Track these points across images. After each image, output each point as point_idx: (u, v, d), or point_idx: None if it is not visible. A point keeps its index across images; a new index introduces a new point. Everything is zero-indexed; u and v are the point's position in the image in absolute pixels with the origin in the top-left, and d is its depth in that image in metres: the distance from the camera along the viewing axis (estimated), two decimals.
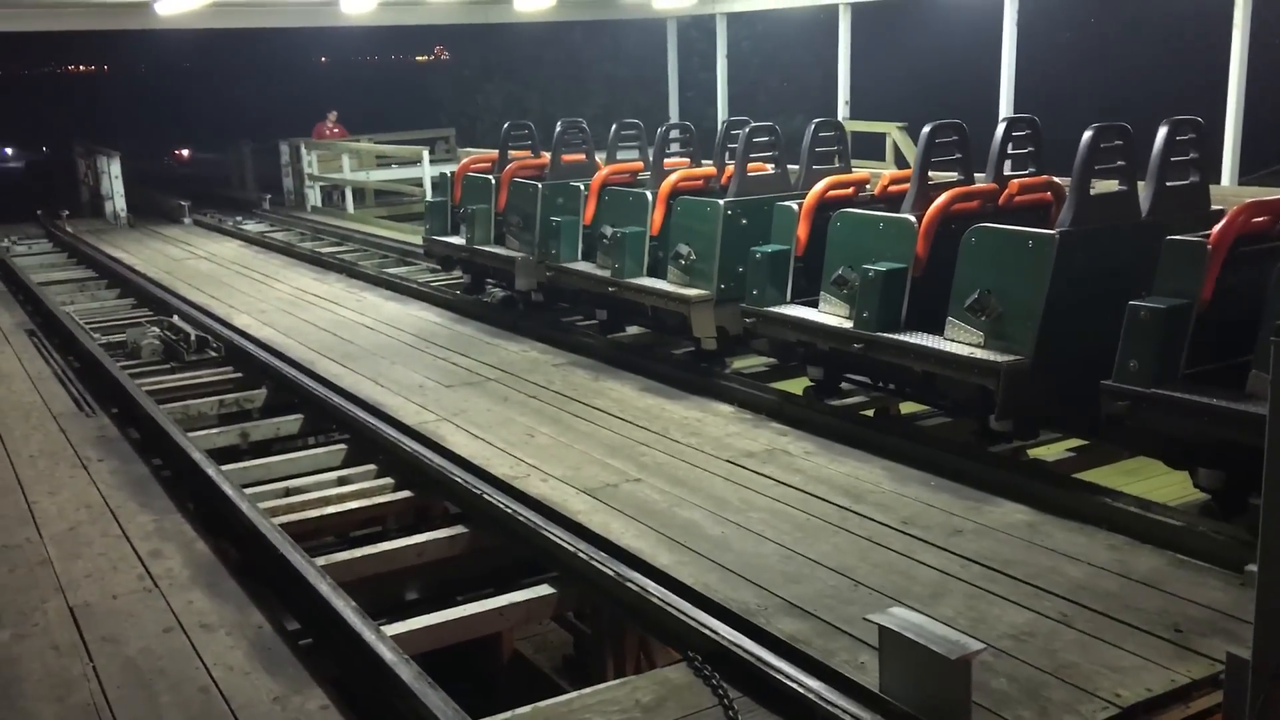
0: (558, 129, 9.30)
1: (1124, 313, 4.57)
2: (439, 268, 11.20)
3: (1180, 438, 4.59)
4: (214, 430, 7.07)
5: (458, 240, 9.82)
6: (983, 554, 4.50)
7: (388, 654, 3.70)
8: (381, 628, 4.01)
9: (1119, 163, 5.41)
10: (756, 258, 6.46)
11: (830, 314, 6.06)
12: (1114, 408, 4.63)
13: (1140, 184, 5.41)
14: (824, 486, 5.30)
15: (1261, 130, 9.87)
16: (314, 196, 18.78)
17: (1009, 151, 5.99)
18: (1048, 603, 4.07)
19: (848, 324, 5.86)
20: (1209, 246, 4.49)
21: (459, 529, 5.33)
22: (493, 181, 9.51)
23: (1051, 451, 5.97)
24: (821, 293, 6.15)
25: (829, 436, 5.97)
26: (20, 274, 12.39)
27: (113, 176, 17.90)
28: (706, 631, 3.85)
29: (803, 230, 6.41)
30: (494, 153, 10.06)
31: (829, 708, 3.37)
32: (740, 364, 7.76)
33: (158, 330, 9.01)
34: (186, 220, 17.81)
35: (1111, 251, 5.18)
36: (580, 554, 4.55)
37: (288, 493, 5.90)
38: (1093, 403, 4.74)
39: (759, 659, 3.64)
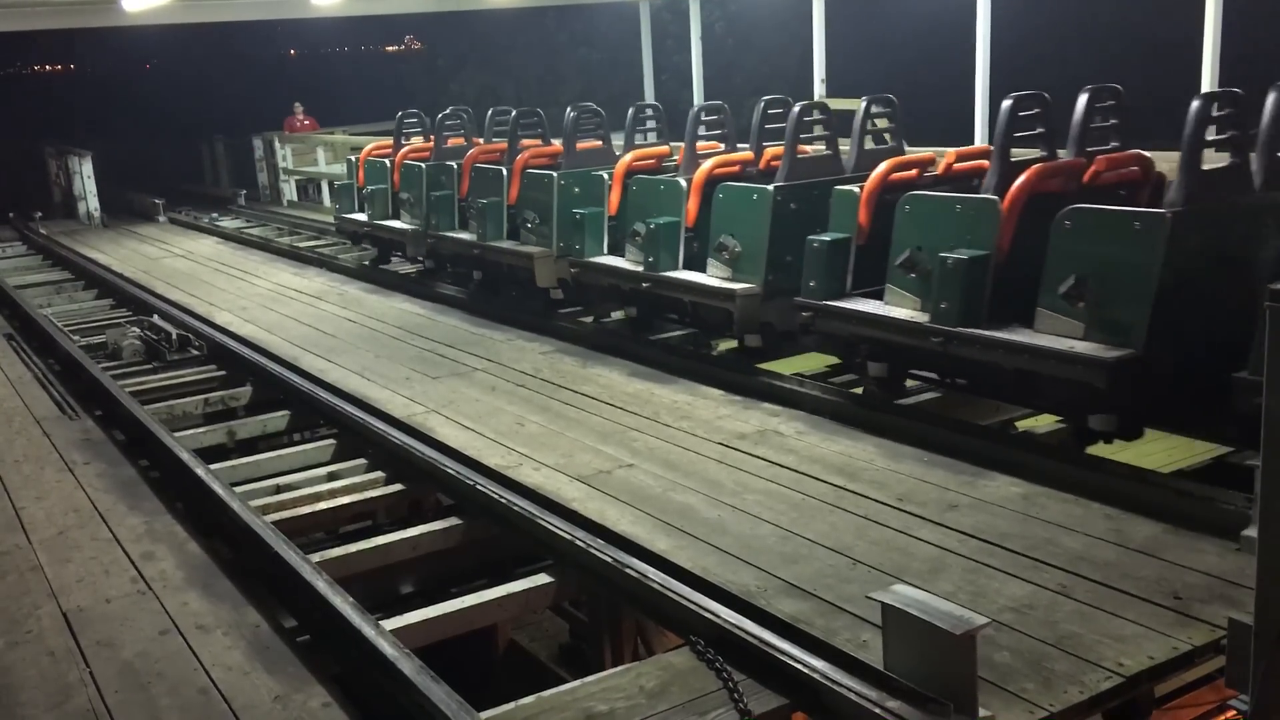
0: (439, 117, 10.88)
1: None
2: (413, 257, 11.32)
3: (845, 338, 6.08)
4: (200, 429, 7.01)
5: (361, 217, 11.38)
6: (979, 528, 4.51)
7: (388, 649, 3.68)
8: (380, 622, 3.99)
9: (824, 132, 7.00)
10: (576, 218, 7.94)
11: (629, 261, 7.57)
12: (800, 318, 6.15)
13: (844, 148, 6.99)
14: (818, 466, 5.30)
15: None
16: (289, 191, 18.62)
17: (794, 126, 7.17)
18: (1046, 574, 4.08)
19: (638, 269, 7.38)
20: (862, 195, 5.96)
21: (453, 521, 5.29)
22: (388, 165, 10.95)
23: (1041, 423, 5.98)
24: (627, 246, 7.67)
25: (820, 416, 5.98)
26: None
27: (85, 176, 17.71)
28: (707, 615, 3.84)
29: (615, 195, 7.92)
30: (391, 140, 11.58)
31: (834, 687, 3.36)
32: (725, 346, 7.75)
33: (138, 330, 8.92)
34: (161, 218, 17.65)
35: (814, 201, 6.48)
36: (578, 542, 4.53)
37: (278, 490, 5.85)
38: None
39: (761, 641, 3.63)
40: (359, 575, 4.86)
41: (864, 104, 6.86)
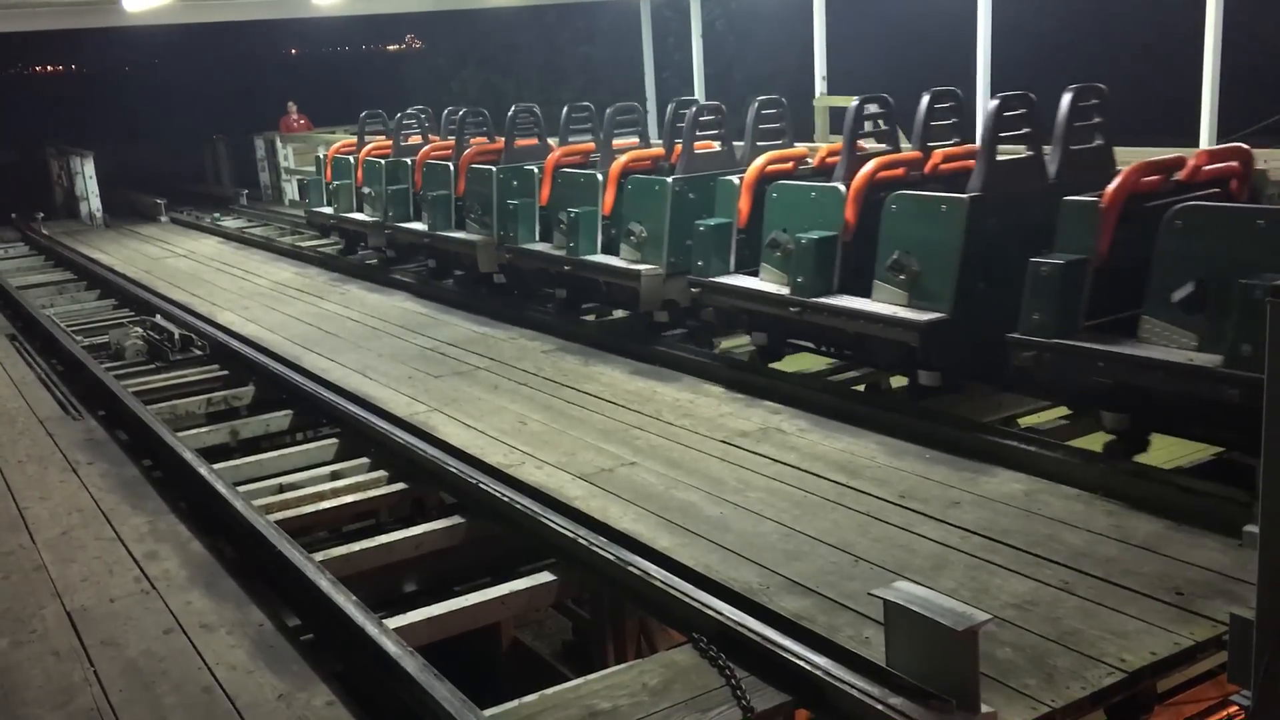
0: (397, 117, 11.76)
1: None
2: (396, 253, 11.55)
3: (729, 311, 6.98)
4: (203, 429, 7.01)
5: (329, 210, 12.17)
6: (981, 525, 4.51)
7: (391, 647, 3.68)
8: (383, 621, 3.99)
9: (721, 131, 7.72)
10: (510, 208, 8.73)
11: (556, 248, 8.31)
12: (692, 294, 7.12)
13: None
14: (820, 463, 5.31)
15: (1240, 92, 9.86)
16: (291, 190, 18.62)
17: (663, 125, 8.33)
18: (1048, 571, 4.09)
19: (561, 254, 8.15)
20: (741, 185, 6.85)
21: (455, 520, 5.29)
22: (352, 161, 11.79)
23: (1044, 419, 5.99)
24: (554, 233, 8.42)
25: (822, 413, 5.99)
26: None
27: (87, 177, 17.71)
28: (710, 612, 3.85)
29: (545, 188, 8.75)
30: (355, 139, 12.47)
31: (837, 684, 3.37)
32: (729, 344, 7.76)
33: (141, 330, 8.93)
34: (163, 218, 17.66)
35: (710, 191, 7.24)
36: (580, 540, 4.53)
37: (281, 489, 5.86)
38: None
39: (764, 638, 3.64)
40: (362, 574, 4.86)
41: (755, 104, 7.57)
